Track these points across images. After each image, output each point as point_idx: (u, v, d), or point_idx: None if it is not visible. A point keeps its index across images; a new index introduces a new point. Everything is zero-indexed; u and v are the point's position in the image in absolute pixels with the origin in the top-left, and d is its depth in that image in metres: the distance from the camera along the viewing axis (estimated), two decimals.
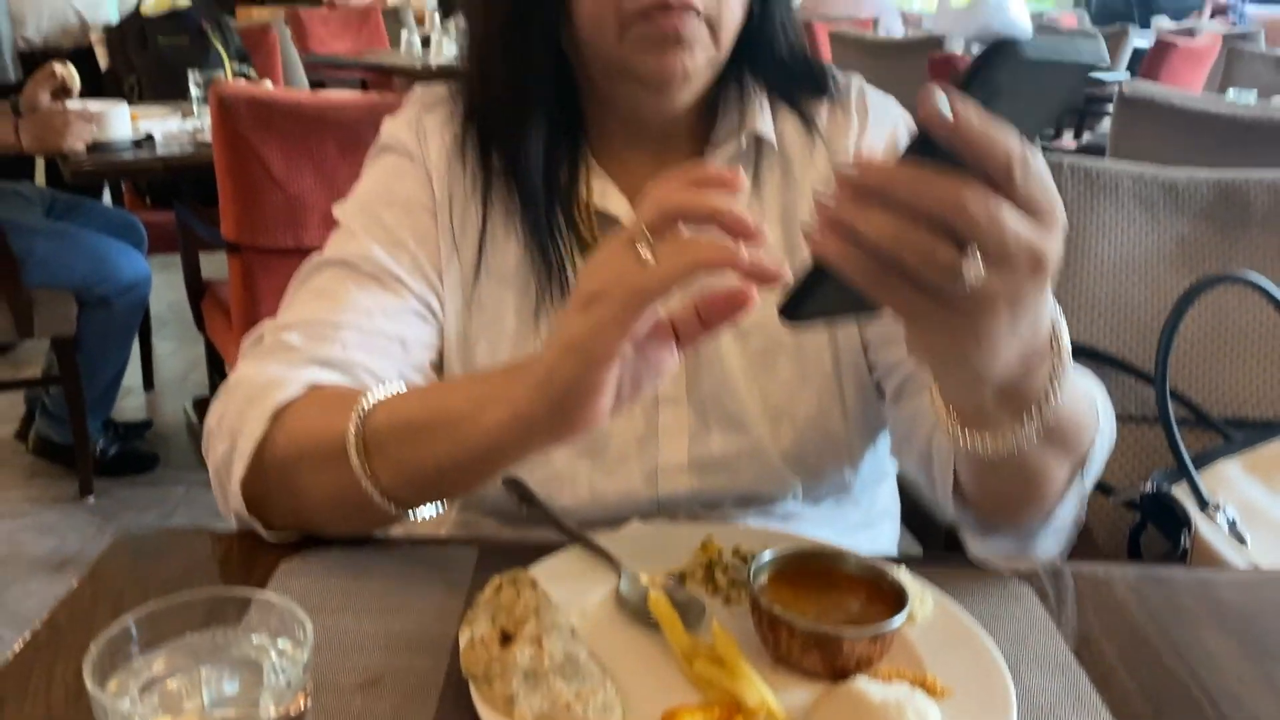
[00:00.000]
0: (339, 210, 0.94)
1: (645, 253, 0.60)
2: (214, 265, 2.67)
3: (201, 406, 3.06)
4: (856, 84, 0.98)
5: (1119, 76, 5.16)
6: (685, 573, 0.77)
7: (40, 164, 3.47)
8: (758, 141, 0.94)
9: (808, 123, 0.95)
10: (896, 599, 0.68)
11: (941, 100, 0.48)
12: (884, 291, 0.53)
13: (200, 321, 2.68)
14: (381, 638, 0.70)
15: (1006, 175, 0.50)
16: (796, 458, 0.92)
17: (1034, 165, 0.50)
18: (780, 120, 0.95)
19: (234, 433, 0.79)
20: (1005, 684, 0.64)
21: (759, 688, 0.63)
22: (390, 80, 5.07)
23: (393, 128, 0.97)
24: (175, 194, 2.82)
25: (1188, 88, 4.66)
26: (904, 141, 0.91)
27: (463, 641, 0.65)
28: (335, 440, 0.73)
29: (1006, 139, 0.49)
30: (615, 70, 0.87)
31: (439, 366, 0.93)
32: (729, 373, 0.91)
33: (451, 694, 0.65)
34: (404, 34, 5.03)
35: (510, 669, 0.62)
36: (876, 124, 0.96)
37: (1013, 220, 0.50)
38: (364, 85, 4.97)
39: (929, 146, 0.49)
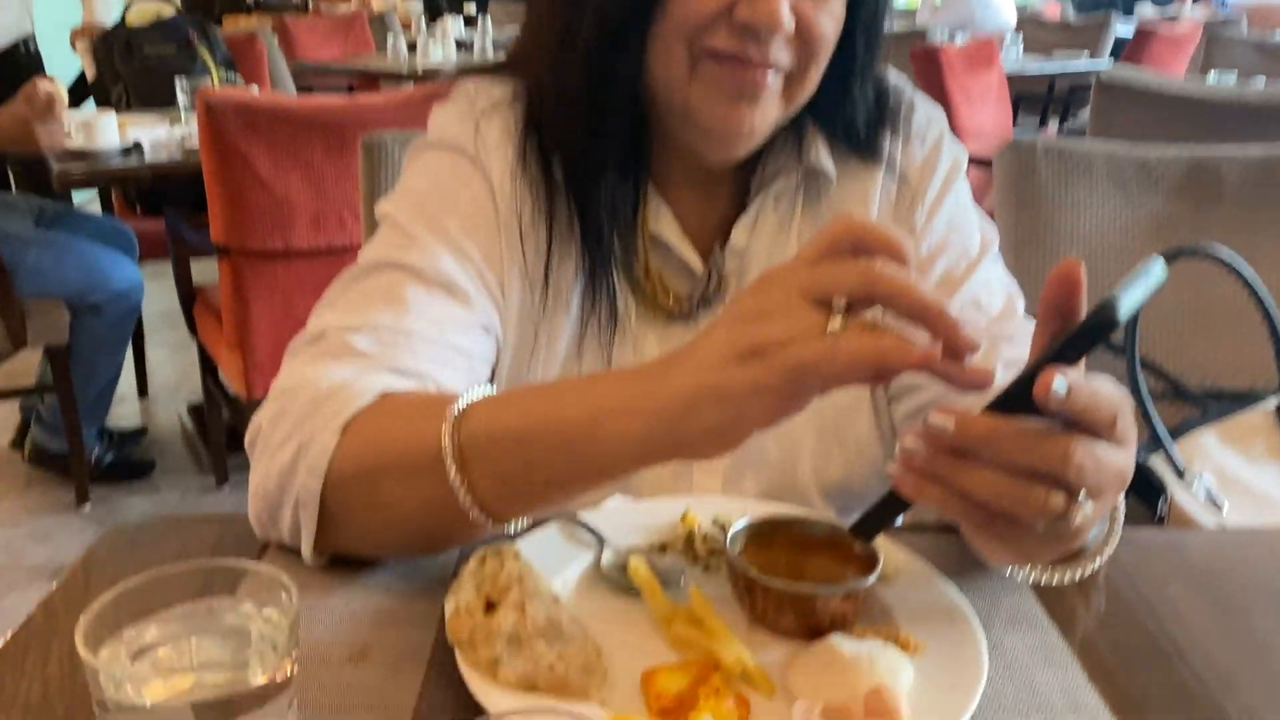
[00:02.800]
0: (388, 205, 0.88)
1: (836, 323, 0.56)
2: (206, 272, 2.69)
3: (196, 413, 3.08)
4: (907, 98, 0.95)
5: (1100, 65, 5.19)
6: (666, 544, 0.79)
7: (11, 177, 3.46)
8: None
9: (864, 154, 0.93)
10: (869, 561, 0.70)
11: (1060, 385, 0.51)
12: (978, 528, 0.57)
13: (192, 326, 2.69)
14: (370, 612, 0.72)
15: (1110, 426, 0.54)
16: (834, 487, 0.93)
17: (1126, 407, 0.55)
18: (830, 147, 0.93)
19: (299, 441, 0.72)
20: (977, 639, 0.66)
21: (735, 647, 0.64)
22: (377, 85, 5.09)
23: (446, 124, 0.91)
24: (165, 201, 2.84)
25: (1170, 74, 4.69)
26: (941, 176, 0.93)
27: (448, 610, 0.66)
28: (426, 449, 0.67)
29: (1110, 398, 0.53)
30: (680, 113, 0.84)
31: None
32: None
33: (438, 662, 0.67)
34: (390, 39, 5.05)
35: (494, 634, 0.64)
36: (918, 139, 0.95)
37: (1110, 457, 0.54)
38: (351, 91, 4.98)
39: (1017, 401, 0.53)
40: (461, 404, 0.69)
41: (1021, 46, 5.27)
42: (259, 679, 0.53)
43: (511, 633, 0.64)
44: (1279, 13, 7.55)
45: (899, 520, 0.60)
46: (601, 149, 0.87)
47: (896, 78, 0.96)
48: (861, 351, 0.55)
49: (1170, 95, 2.38)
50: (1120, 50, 5.29)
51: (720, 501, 0.85)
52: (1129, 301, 0.53)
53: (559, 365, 0.91)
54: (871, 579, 0.67)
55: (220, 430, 2.77)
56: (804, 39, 0.81)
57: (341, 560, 0.77)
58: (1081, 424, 0.53)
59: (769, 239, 0.93)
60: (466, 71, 0.95)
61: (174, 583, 0.57)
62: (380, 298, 0.82)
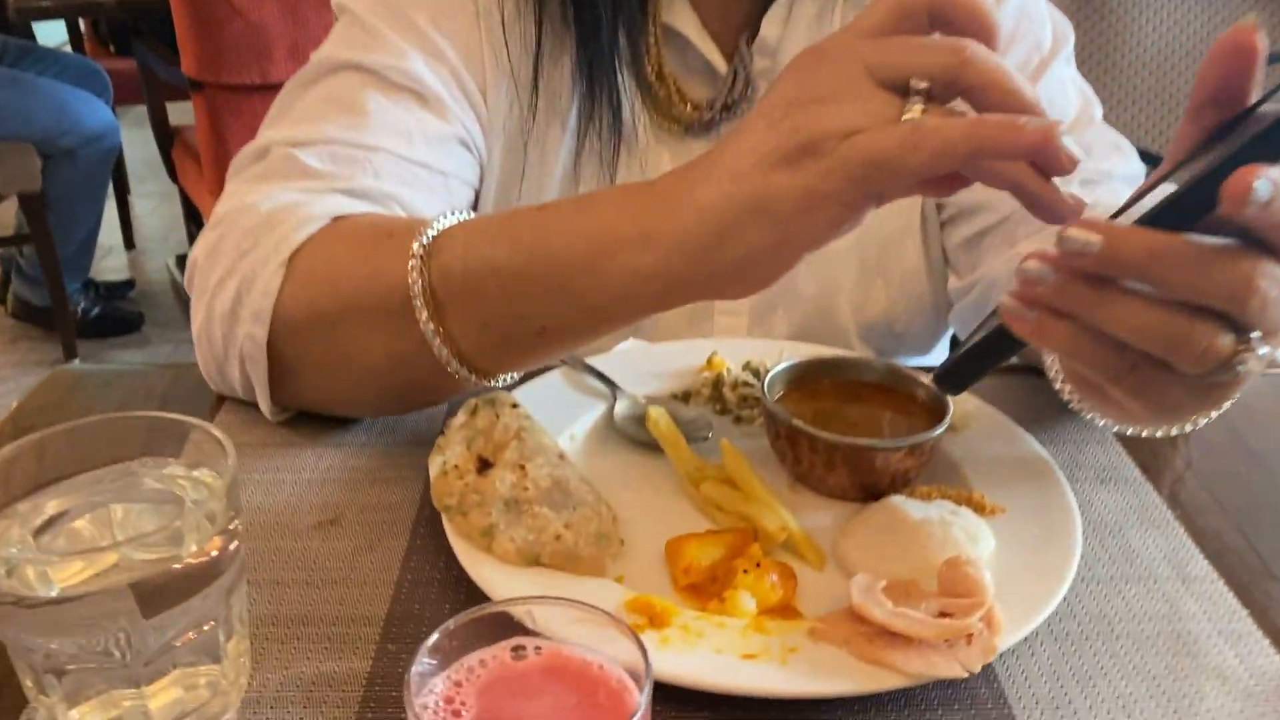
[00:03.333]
0: None
1: (916, 108, 0.44)
2: (186, 115, 2.52)
3: (184, 263, 2.96)
4: None
5: None
6: (689, 392, 0.68)
7: None
8: None
9: None
10: (934, 410, 0.59)
11: (1263, 187, 0.37)
12: (1116, 378, 0.43)
13: (173, 172, 2.54)
14: (343, 473, 0.61)
15: None
16: (875, 326, 0.82)
17: None
18: None
19: (239, 279, 0.61)
20: (1066, 498, 0.55)
21: (777, 510, 0.54)
22: None
23: None
24: (135, 35, 2.64)
25: None
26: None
27: (433, 471, 0.56)
28: (390, 290, 0.56)
29: None
30: None
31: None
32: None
33: (423, 531, 0.56)
34: None
35: (489, 498, 0.53)
36: None
37: None
38: None
39: (1178, 212, 0.39)
40: (432, 232, 0.56)
41: None
42: (193, 555, 0.42)
43: (509, 496, 0.53)
44: None
45: (995, 364, 0.47)
46: None
47: None
48: (955, 137, 0.42)
49: None
50: None
51: (751, 344, 0.73)
52: None
53: (554, 189, 0.78)
54: (940, 430, 0.56)
55: None
56: None
57: (310, 415, 0.66)
58: (1271, 242, 0.40)
59: (806, 31, 0.78)
60: None
61: (91, 441, 0.46)
62: (335, 106, 0.69)
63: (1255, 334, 0.41)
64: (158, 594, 0.41)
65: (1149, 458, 0.63)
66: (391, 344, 0.58)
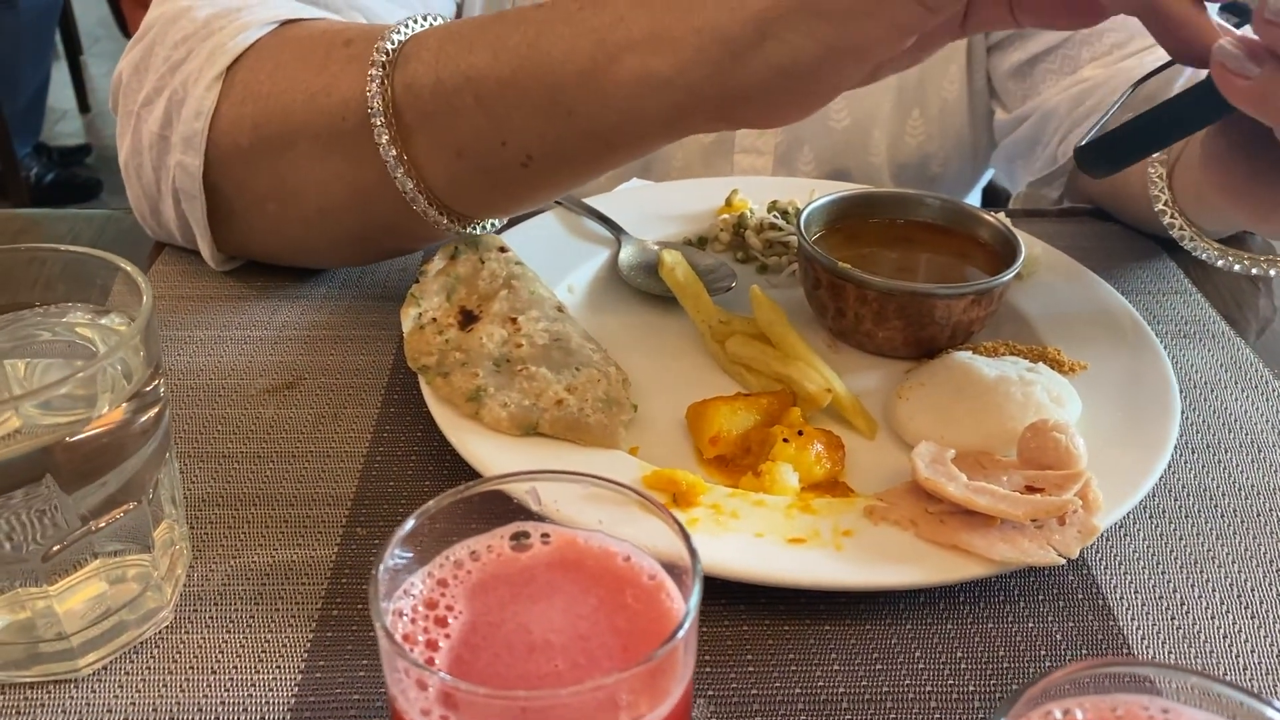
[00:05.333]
0: None
1: None
2: None
3: None
4: None
5: None
6: (706, 237, 0.58)
7: None
8: None
9: None
10: (1000, 253, 0.50)
11: None
12: None
13: (125, 27, 2.37)
14: (301, 329, 0.52)
15: None
16: (909, 162, 0.73)
17: None
18: None
19: (168, 97, 0.51)
20: (1155, 353, 0.47)
21: (820, 368, 0.45)
22: None
23: None
24: None
25: None
26: None
27: (406, 326, 0.47)
28: (345, 108, 0.47)
29: None
30: None
31: None
32: None
33: (397, 397, 0.48)
34: None
35: (474, 357, 0.44)
36: None
37: None
38: None
39: None
40: (399, 37, 0.46)
41: None
42: (106, 417, 0.33)
43: (499, 354, 0.44)
44: None
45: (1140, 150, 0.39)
46: None
47: None
48: None
49: None
50: None
51: (776, 182, 0.63)
52: None
53: None
54: (1012, 273, 0.47)
55: None
56: None
57: (263, 265, 0.56)
58: None
59: None
60: None
61: None
62: None
63: None
64: (68, 465, 0.33)
65: (1234, 308, 0.55)
66: (347, 173, 0.48)
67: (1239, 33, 0.36)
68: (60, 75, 2.67)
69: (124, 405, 0.34)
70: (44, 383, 0.35)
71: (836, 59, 0.39)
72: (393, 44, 0.46)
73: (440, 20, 0.48)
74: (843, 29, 0.38)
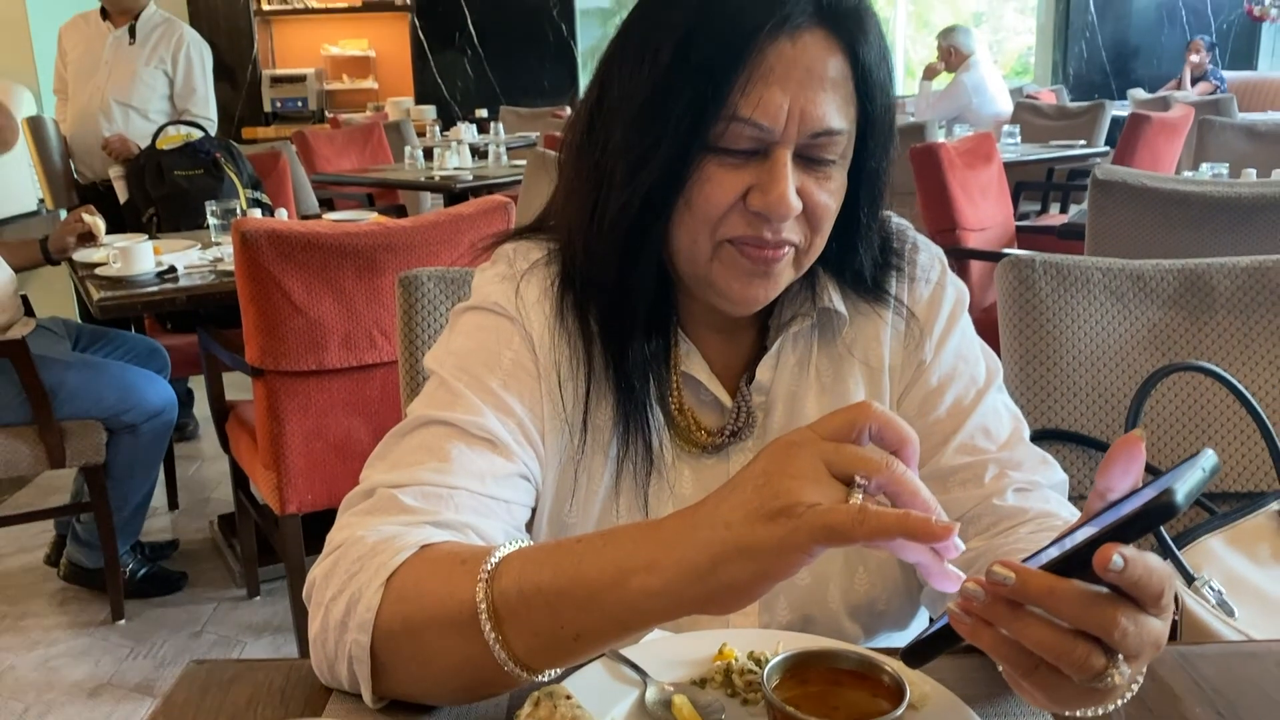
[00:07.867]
0: (433, 362, 0.95)
1: (857, 496, 0.62)
2: (233, 381, 2.78)
3: (227, 523, 3.14)
4: (910, 240, 1.03)
5: (1097, 151, 5.33)
6: (705, 678, 0.84)
7: (73, 297, 3.60)
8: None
9: (872, 297, 1.00)
10: (898, 691, 0.75)
11: (1118, 561, 0.56)
12: (1023, 672, 0.62)
13: (225, 443, 2.76)
14: None
15: (1156, 600, 0.58)
16: (861, 607, 1.00)
17: (1171, 583, 0.59)
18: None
19: (349, 596, 0.77)
20: None
21: None
22: (396, 194, 5.26)
23: (487, 288, 0.97)
24: (197, 321, 2.94)
25: (1164, 158, 4.81)
26: (946, 312, 1.03)
27: None
28: (462, 608, 0.72)
29: (1160, 573, 0.58)
30: (702, 282, 0.92)
31: (528, 525, 0.95)
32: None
33: None
34: (407, 149, 5.22)
35: None
36: (923, 279, 1.02)
37: (1151, 626, 0.59)
38: (371, 200, 5.15)
39: (1074, 565, 0.58)
40: (494, 560, 0.73)
41: (1020, 135, 5.41)
42: None
43: None
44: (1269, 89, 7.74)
45: (950, 646, 0.65)
46: (631, 303, 0.95)
47: (899, 222, 1.05)
48: (889, 522, 0.61)
49: (1165, 192, 2.47)
50: (1117, 130, 5.42)
51: (755, 634, 0.90)
52: (1185, 490, 0.57)
53: (598, 503, 0.98)
54: (900, 710, 0.72)
55: (252, 542, 2.82)
56: (810, 217, 0.89)
57: (401, 702, 0.82)
58: (1130, 595, 0.59)
59: (790, 375, 1.00)
60: (508, 236, 1.03)
61: None
62: (426, 453, 0.89)
63: (1120, 656, 0.60)
64: None
65: None
66: (463, 649, 0.74)
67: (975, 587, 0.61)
68: None
69: None
70: None
71: (764, 579, 0.65)
72: (490, 565, 0.74)
73: (521, 543, 0.77)
74: (765, 564, 0.64)
